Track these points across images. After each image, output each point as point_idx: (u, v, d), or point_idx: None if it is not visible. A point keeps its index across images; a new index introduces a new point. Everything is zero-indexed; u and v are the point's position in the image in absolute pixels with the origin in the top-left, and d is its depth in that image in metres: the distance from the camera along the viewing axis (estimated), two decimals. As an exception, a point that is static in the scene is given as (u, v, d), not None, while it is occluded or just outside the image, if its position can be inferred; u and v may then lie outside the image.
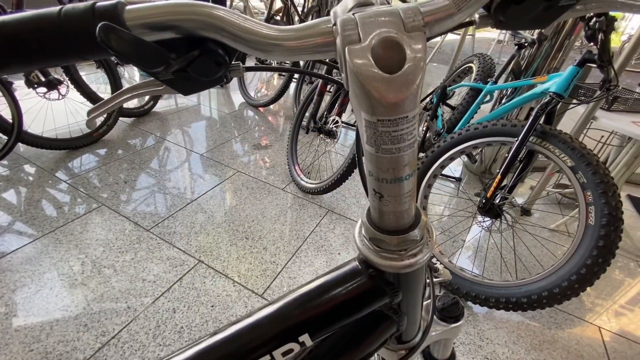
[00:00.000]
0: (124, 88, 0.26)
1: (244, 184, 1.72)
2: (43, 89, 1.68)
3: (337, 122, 1.65)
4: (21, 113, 1.53)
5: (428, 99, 2.32)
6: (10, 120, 1.51)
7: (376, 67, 0.15)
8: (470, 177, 2.04)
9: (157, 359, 0.21)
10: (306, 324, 0.24)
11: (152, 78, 0.24)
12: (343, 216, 1.56)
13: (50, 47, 0.19)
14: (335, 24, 0.17)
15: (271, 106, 2.68)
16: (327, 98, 1.70)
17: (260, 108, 2.70)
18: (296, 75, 2.65)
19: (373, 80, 0.15)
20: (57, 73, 1.75)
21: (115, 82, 1.92)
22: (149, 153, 1.90)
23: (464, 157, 2.18)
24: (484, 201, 1.14)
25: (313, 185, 1.62)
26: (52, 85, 1.69)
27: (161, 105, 2.50)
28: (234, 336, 0.23)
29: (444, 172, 1.90)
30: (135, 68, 3.20)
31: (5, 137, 1.52)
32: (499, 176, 1.12)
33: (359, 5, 0.18)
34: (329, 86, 1.71)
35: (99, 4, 0.19)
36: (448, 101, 2.04)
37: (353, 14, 0.17)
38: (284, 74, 2.91)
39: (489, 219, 1.19)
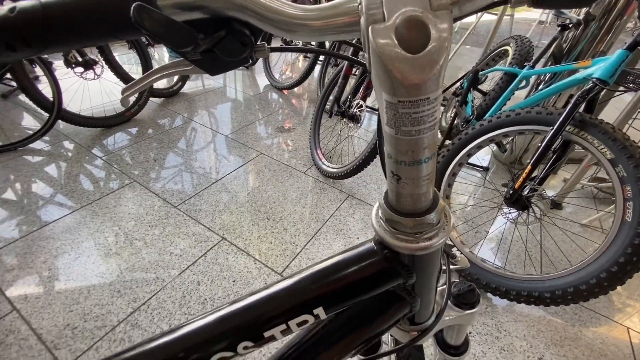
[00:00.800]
0: (154, 68, 0.27)
1: (267, 166, 1.75)
2: (80, 69, 1.76)
3: (361, 106, 1.62)
4: (61, 91, 1.61)
5: (458, 83, 2.22)
6: (51, 99, 1.61)
7: (399, 47, 0.15)
8: (499, 167, 1.96)
9: (180, 322, 0.23)
10: (321, 298, 0.25)
11: (181, 59, 0.24)
12: (363, 201, 1.55)
13: (88, 27, 0.20)
14: (360, 3, 0.17)
15: (295, 89, 2.67)
16: (352, 82, 1.67)
17: (284, 90, 2.69)
18: (321, 58, 2.61)
19: (395, 60, 0.15)
20: (93, 54, 1.82)
21: (146, 63, 1.98)
22: (176, 133, 1.96)
23: (493, 146, 2.09)
24: (511, 192, 1.10)
25: (334, 170, 1.62)
26: (89, 65, 1.77)
27: (189, 87, 2.55)
28: (252, 305, 0.25)
29: (471, 160, 1.84)
30: (165, 49, 3.27)
31: (46, 115, 1.62)
32: (529, 166, 1.07)
33: None
34: (354, 69, 1.68)
35: None
36: (480, 86, 1.95)
37: None
38: (309, 56, 2.88)
39: (515, 210, 1.15)
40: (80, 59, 1.75)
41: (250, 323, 0.24)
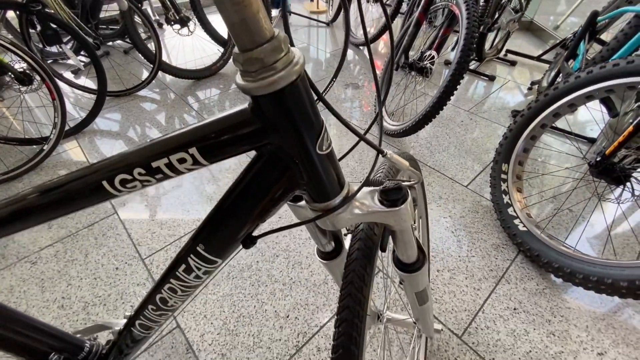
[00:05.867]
0: None
1: (326, 120, 1.77)
2: (177, 26, 2.01)
3: (433, 57, 1.47)
4: (161, 46, 1.87)
5: (571, 34, 1.81)
6: (154, 51, 1.89)
7: None
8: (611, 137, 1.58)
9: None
10: (194, 142, 0.29)
11: None
12: (420, 161, 1.46)
13: None
14: None
15: (374, 45, 2.55)
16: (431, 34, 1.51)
17: (361, 47, 2.60)
18: (403, 11, 2.41)
19: None
20: (187, 11, 2.05)
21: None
22: (253, 86, 2.11)
23: (603, 108, 1.68)
24: (598, 159, 0.90)
25: (393, 127, 1.55)
26: (184, 22, 2.00)
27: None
28: (148, 145, 0.31)
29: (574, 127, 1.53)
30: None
31: (151, 65, 1.93)
32: (630, 128, 0.84)
33: None
34: (429, 15, 1.51)
35: None
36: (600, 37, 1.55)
37: None
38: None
39: (604, 182, 0.94)
40: (177, 17, 1.98)
41: (143, 156, 0.30)
